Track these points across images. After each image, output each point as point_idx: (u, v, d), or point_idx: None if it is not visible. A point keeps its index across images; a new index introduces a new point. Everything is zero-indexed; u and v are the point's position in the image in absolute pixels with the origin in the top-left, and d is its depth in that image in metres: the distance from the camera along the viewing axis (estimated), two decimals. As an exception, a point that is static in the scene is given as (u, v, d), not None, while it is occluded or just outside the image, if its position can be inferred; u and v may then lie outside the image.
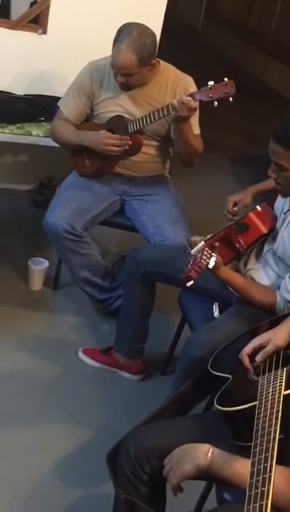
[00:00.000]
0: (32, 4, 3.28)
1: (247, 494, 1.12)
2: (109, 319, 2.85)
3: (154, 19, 3.31)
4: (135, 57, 2.39)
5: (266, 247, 2.14)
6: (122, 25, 2.43)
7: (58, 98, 3.32)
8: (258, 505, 1.08)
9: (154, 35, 2.43)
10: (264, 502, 1.08)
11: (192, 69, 2.68)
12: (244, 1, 10.15)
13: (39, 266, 2.94)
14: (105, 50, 2.63)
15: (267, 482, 1.12)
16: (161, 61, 2.57)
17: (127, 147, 2.46)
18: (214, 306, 2.23)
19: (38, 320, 2.81)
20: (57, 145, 3.06)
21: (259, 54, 8.67)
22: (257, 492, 1.11)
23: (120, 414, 2.39)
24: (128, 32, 2.37)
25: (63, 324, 2.82)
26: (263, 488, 1.11)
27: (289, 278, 1.94)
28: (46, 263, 2.95)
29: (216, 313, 2.19)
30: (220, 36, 9.74)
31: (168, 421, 1.68)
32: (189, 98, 2.26)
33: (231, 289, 2.13)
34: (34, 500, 2.00)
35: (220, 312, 2.19)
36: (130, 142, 2.45)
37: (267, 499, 1.08)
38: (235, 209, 2.32)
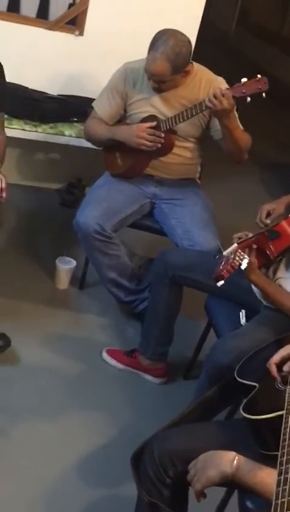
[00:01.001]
0: (70, 6, 3.31)
1: (273, 503, 1.12)
2: (133, 321, 2.86)
3: (190, 25, 3.33)
4: (168, 66, 2.41)
5: (296, 256, 2.13)
6: (159, 32, 2.44)
7: (91, 99, 3.34)
8: (285, 514, 1.07)
9: (189, 43, 2.44)
10: (292, 512, 1.07)
11: (223, 76, 2.68)
12: (277, 9, 10.10)
13: (66, 265, 2.96)
14: (139, 54, 2.65)
15: (294, 491, 1.12)
16: (194, 63, 2.58)
17: (160, 145, 2.47)
18: (241, 313, 2.23)
19: (64, 318, 2.83)
20: (88, 145, 3.09)
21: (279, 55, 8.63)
22: (284, 501, 1.11)
23: (142, 416, 2.40)
24: (164, 41, 2.39)
25: (88, 324, 2.84)
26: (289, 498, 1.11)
27: None
28: (74, 263, 2.97)
29: (243, 320, 2.19)
30: (252, 43, 9.72)
31: (193, 425, 1.68)
32: (226, 91, 2.27)
33: (258, 296, 2.14)
34: (54, 498, 2.02)
35: (247, 320, 2.19)
36: (163, 139, 2.46)
37: (294, 508, 1.08)
38: (267, 221, 2.31)
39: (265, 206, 2.38)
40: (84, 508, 2.00)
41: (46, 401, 2.36)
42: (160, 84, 2.50)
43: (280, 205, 2.38)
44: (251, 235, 2.19)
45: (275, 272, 2.17)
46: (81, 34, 3.37)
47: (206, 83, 2.56)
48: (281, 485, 1.15)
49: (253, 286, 2.12)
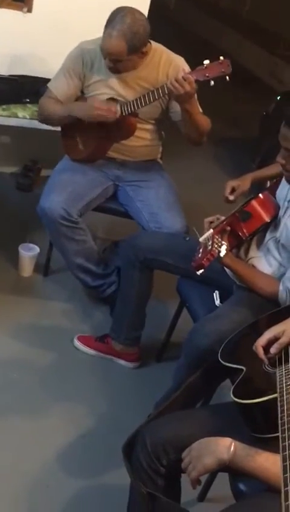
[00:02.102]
0: (17, -19, 3.19)
1: (283, 490, 1.13)
2: (101, 305, 2.83)
3: (141, 1, 3.27)
4: (124, 45, 2.34)
5: (268, 235, 2.14)
6: (116, 9, 2.36)
7: (43, 79, 3.26)
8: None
9: (147, 23, 2.37)
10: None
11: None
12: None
13: (30, 252, 2.89)
14: (90, 31, 2.58)
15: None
16: (152, 42, 2.52)
17: (118, 115, 2.41)
18: (214, 294, 2.23)
19: (30, 307, 2.77)
20: (42, 127, 3.00)
21: (233, 34, 8.64)
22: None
23: (118, 401, 2.39)
24: (121, 18, 2.31)
25: (55, 311, 2.79)
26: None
27: (292, 267, 1.95)
28: (37, 249, 2.91)
29: (217, 302, 2.19)
30: (193, 15, 9.67)
31: (183, 412, 1.68)
32: (188, 75, 2.23)
33: (231, 276, 2.14)
34: (39, 490, 1.99)
35: (221, 300, 2.20)
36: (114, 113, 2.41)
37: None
38: (232, 197, 2.31)
39: (230, 183, 2.38)
40: (69, 498, 1.98)
41: (19, 394, 2.31)
42: (116, 64, 2.42)
43: (244, 182, 2.38)
44: (222, 218, 2.18)
45: (246, 252, 2.18)
46: (29, 10, 3.26)
47: (165, 62, 2.51)
48: (289, 471, 1.15)
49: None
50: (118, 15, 2.33)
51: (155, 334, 2.66)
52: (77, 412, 2.30)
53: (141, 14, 2.38)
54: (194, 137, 2.57)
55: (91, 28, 2.70)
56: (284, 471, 1.16)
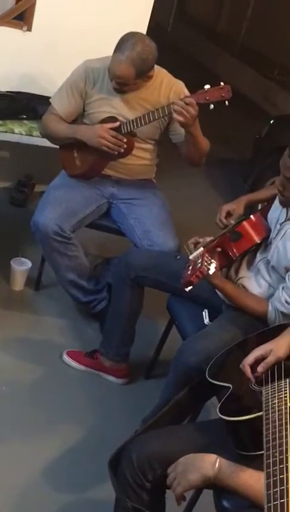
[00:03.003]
0: (17, 0, 3.24)
1: (266, 506, 1.15)
2: (92, 321, 2.85)
3: (139, 23, 3.33)
4: (133, 71, 2.40)
5: (258, 256, 2.17)
6: (127, 34, 2.41)
7: (40, 96, 3.32)
8: (279, 517, 1.10)
9: (156, 50, 2.43)
10: (284, 514, 1.10)
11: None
12: (215, 5, 10.25)
13: (22, 266, 2.91)
14: (89, 50, 2.64)
15: (285, 493, 1.15)
16: (155, 65, 2.58)
17: (122, 150, 2.47)
18: (203, 313, 2.26)
19: (21, 321, 2.78)
20: (38, 143, 3.04)
21: (229, 57, 8.77)
22: (276, 504, 1.13)
23: (106, 417, 2.40)
24: (131, 44, 2.36)
25: (46, 326, 2.81)
26: (282, 500, 1.14)
27: (282, 289, 1.98)
28: (29, 264, 2.93)
29: (206, 320, 2.22)
30: (189, 38, 9.81)
31: (170, 428, 1.70)
32: (191, 99, 2.28)
33: (221, 295, 2.17)
34: (25, 504, 1.98)
35: (210, 319, 2.23)
36: (125, 145, 2.46)
37: (287, 510, 1.11)
38: (231, 221, 2.33)
39: (225, 207, 2.41)
40: (55, 512, 1.99)
41: (8, 407, 2.31)
42: (122, 86, 2.48)
43: (239, 205, 2.42)
44: (208, 239, 2.20)
45: (237, 272, 2.21)
46: (29, 29, 3.31)
47: (166, 85, 2.57)
48: (272, 488, 1.17)
49: (215, 287, 2.15)
50: (129, 41, 2.38)
51: (144, 351, 2.68)
52: (64, 427, 2.31)
53: (151, 41, 2.43)
54: (195, 159, 2.63)
55: (89, 47, 2.77)
56: (268, 488, 1.19)
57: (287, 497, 1.14)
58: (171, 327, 2.52)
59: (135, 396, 2.53)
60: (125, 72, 2.39)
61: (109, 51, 2.45)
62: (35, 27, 3.31)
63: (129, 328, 2.48)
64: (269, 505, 1.14)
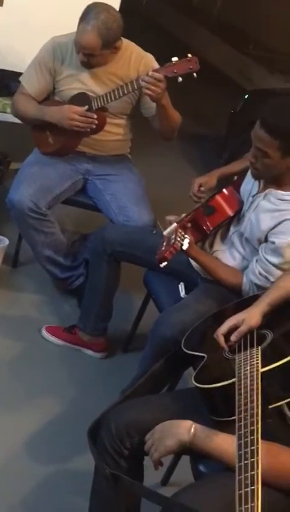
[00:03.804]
0: (-12, -26, 3.20)
1: (237, 465, 1.20)
2: (69, 297, 2.87)
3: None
4: (99, 40, 2.40)
5: (232, 229, 2.21)
6: (91, 5, 2.42)
7: (13, 73, 3.28)
8: (249, 475, 1.16)
9: (121, 19, 2.43)
10: (255, 472, 1.16)
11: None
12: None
13: (-1, 244, 2.92)
14: (61, 25, 2.61)
15: (255, 453, 1.21)
16: (123, 39, 2.58)
17: (94, 126, 2.47)
18: (179, 286, 2.30)
19: (-1, 298, 2.81)
20: (13, 120, 3.02)
21: (204, 32, 8.71)
22: (247, 463, 1.19)
23: (85, 390, 2.44)
24: (95, 14, 2.37)
25: (24, 302, 2.83)
26: (252, 459, 1.19)
27: (256, 261, 2.03)
28: (6, 241, 2.92)
29: (182, 293, 2.26)
30: (165, 11, 9.71)
31: (147, 397, 1.74)
32: (157, 73, 2.29)
33: (196, 268, 2.21)
34: (7, 478, 2.02)
35: (186, 292, 2.27)
36: (96, 121, 2.46)
37: (257, 469, 1.16)
38: (202, 189, 2.36)
39: (197, 180, 2.43)
40: (37, 485, 2.03)
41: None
42: (89, 58, 2.47)
43: (211, 178, 2.44)
44: (183, 215, 2.23)
45: (211, 245, 2.25)
46: (0, 4, 3.27)
47: (136, 59, 2.57)
48: (243, 448, 1.23)
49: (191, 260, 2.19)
50: (93, 10, 2.39)
51: (122, 325, 2.72)
52: (45, 400, 2.35)
53: (115, 10, 2.44)
54: (167, 132, 2.64)
55: (61, 22, 2.74)
56: (239, 448, 1.24)
57: (257, 455, 1.19)
58: (148, 301, 2.56)
59: (114, 369, 2.57)
60: (91, 42, 2.39)
61: (82, 27, 2.44)
62: (6, 2, 3.26)
63: (107, 302, 2.51)
64: (240, 464, 1.20)
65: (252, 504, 1.09)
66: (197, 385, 1.58)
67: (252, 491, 1.11)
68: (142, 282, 2.47)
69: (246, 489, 1.12)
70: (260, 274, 2.00)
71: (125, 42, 2.58)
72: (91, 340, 2.57)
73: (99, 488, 1.64)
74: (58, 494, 2.04)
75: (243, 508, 1.09)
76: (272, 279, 1.96)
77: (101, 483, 1.62)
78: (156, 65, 2.56)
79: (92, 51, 2.44)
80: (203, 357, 1.70)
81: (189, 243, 1.98)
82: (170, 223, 2.11)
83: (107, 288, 2.47)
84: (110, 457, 1.60)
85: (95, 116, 2.48)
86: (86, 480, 1.71)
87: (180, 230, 2.00)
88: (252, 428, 1.28)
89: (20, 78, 2.71)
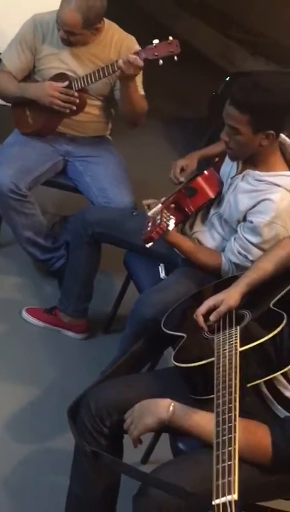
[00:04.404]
0: None
1: (214, 442, 1.22)
2: (50, 279, 2.87)
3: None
4: (80, 18, 2.38)
5: (212, 211, 2.22)
6: None
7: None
8: (227, 450, 1.18)
9: (104, 0, 2.41)
10: (232, 448, 1.18)
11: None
12: None
13: (-22, 226, 2.90)
14: (44, 4, 2.59)
15: (233, 429, 1.23)
16: (105, 20, 2.56)
17: (74, 107, 2.46)
18: (160, 267, 2.31)
19: (-21, 280, 2.80)
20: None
21: (185, 14, 8.65)
22: (225, 439, 1.21)
23: (66, 371, 2.45)
24: None
25: (5, 284, 2.82)
26: (229, 436, 1.21)
27: (234, 240, 2.04)
28: (-14, 223, 2.92)
29: (163, 274, 2.27)
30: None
31: (127, 377, 1.76)
32: (135, 56, 2.28)
33: (177, 250, 2.22)
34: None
35: (166, 273, 2.28)
36: (77, 100, 2.45)
37: (234, 445, 1.19)
38: (182, 178, 2.36)
39: (178, 162, 2.43)
40: (18, 464, 2.04)
41: None
42: (69, 36, 2.45)
43: (192, 161, 2.44)
44: (162, 200, 2.23)
45: (191, 226, 2.26)
46: (-20, -17, 3.21)
47: (117, 41, 2.56)
48: (221, 425, 1.25)
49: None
50: None
51: (103, 306, 2.73)
52: (26, 381, 2.36)
53: None
54: (129, 118, 2.63)
55: (43, 2, 2.71)
56: (217, 425, 1.26)
57: (235, 432, 1.21)
58: (128, 283, 2.57)
59: (94, 350, 2.59)
60: (72, 19, 2.37)
61: (63, 5, 2.41)
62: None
63: (87, 284, 2.51)
64: (218, 440, 1.22)
65: (229, 478, 1.10)
66: (177, 364, 1.60)
67: (229, 466, 1.13)
68: (122, 264, 2.47)
69: (223, 464, 1.14)
70: (239, 253, 2.02)
71: (107, 23, 2.57)
72: (72, 321, 2.58)
73: (80, 466, 1.66)
74: (39, 473, 2.06)
75: (219, 483, 1.10)
76: (251, 258, 1.97)
77: (82, 461, 1.64)
78: (138, 47, 2.54)
79: (72, 29, 2.42)
80: (183, 336, 1.72)
81: (173, 224, 1.99)
82: (148, 207, 2.11)
83: (88, 269, 2.47)
84: (90, 436, 1.61)
85: (76, 94, 2.47)
86: (67, 460, 1.73)
87: (165, 211, 2.01)
88: (230, 405, 1.30)
89: (1, 56, 2.68)
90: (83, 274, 2.48)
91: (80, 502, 1.67)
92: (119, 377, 1.77)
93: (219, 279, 2.05)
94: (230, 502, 1.05)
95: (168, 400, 1.49)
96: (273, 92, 1.88)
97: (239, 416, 1.29)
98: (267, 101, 1.86)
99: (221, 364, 1.46)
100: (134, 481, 1.45)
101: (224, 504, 1.06)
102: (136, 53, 2.32)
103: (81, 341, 2.62)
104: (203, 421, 1.44)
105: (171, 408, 1.46)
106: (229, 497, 1.06)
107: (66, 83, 2.48)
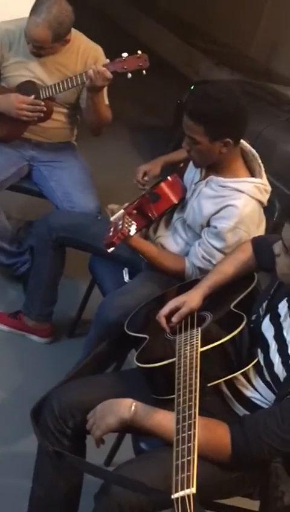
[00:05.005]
0: None
1: (175, 438, 1.25)
2: (15, 283, 2.87)
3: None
4: (50, 34, 2.40)
5: (175, 216, 2.26)
6: None
7: None
8: (186, 446, 1.21)
9: (72, 13, 2.44)
10: (191, 444, 1.21)
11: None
12: None
13: None
14: (10, 11, 2.60)
15: (192, 426, 1.26)
16: (72, 29, 2.58)
17: (42, 115, 2.48)
18: (124, 271, 2.34)
19: None
20: None
21: (151, 23, 8.74)
22: (184, 436, 1.24)
23: (30, 376, 2.46)
24: (48, 7, 2.36)
25: None
26: (189, 432, 1.25)
27: (198, 245, 2.08)
28: None
29: (126, 278, 2.30)
30: (112, 1, 9.68)
31: (90, 378, 1.77)
32: (105, 68, 2.31)
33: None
34: None
35: (130, 277, 2.31)
36: (45, 108, 2.47)
37: (194, 441, 1.22)
38: (145, 178, 2.40)
39: (142, 167, 2.47)
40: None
41: None
42: (39, 50, 2.48)
43: (156, 166, 2.48)
44: (125, 204, 2.26)
45: (155, 231, 2.30)
46: None
47: (84, 51, 2.59)
48: (181, 423, 1.28)
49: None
50: (45, 3, 2.37)
51: (68, 311, 2.74)
52: (-12, 386, 2.36)
53: (67, 4, 2.43)
54: (94, 126, 2.67)
55: (10, 7, 2.72)
56: (177, 423, 1.29)
57: (194, 429, 1.25)
58: (93, 287, 2.58)
59: (59, 354, 2.59)
60: (42, 36, 2.39)
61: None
62: None
63: (51, 288, 2.52)
64: (178, 437, 1.25)
65: (188, 473, 1.13)
66: (139, 365, 1.63)
67: (188, 461, 1.16)
68: (87, 268, 2.49)
69: (182, 460, 1.17)
70: (203, 258, 2.05)
71: (74, 33, 2.59)
72: (36, 325, 2.59)
73: (42, 468, 1.67)
74: (2, 475, 2.05)
75: (179, 477, 1.13)
76: (214, 262, 2.01)
77: (44, 462, 1.65)
78: (104, 57, 2.58)
79: (42, 44, 2.45)
80: (146, 338, 1.75)
81: (135, 230, 2.02)
82: (112, 212, 2.14)
83: (52, 273, 2.48)
84: (53, 437, 1.63)
85: (43, 104, 2.49)
86: (30, 462, 1.73)
87: (127, 217, 2.04)
88: (190, 403, 1.34)
89: None
90: (48, 278, 2.49)
91: (42, 503, 1.67)
92: (82, 377, 1.78)
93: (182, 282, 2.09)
94: (189, 496, 1.08)
95: (130, 400, 1.51)
96: (223, 101, 1.90)
97: (200, 414, 1.32)
98: (218, 111, 1.89)
99: (182, 365, 1.50)
100: (96, 483, 1.47)
101: (183, 497, 1.08)
102: (106, 65, 2.35)
103: (45, 345, 2.63)
104: (164, 420, 1.47)
105: (133, 408, 1.49)
106: (187, 491, 1.09)
107: (33, 96, 2.49)
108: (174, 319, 1.73)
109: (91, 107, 2.52)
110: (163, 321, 1.74)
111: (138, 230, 2.12)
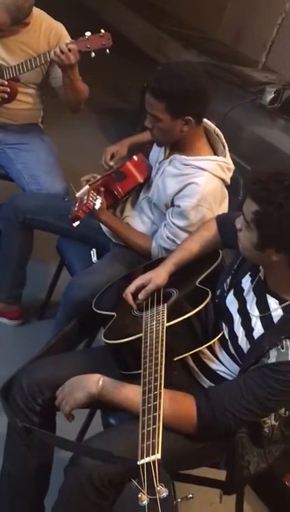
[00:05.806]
0: None
1: (141, 409, 1.28)
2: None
3: None
4: (8, 18, 2.38)
5: (141, 195, 2.28)
6: None
7: None
8: (152, 416, 1.24)
9: None
10: (157, 413, 1.24)
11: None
12: None
13: None
14: None
15: (158, 397, 1.29)
16: (34, 9, 2.56)
17: (6, 96, 2.46)
18: (91, 252, 2.35)
19: None
20: None
21: (119, 6, 8.68)
22: (150, 406, 1.27)
23: (0, 358, 2.46)
24: None
25: None
26: (154, 403, 1.28)
27: (164, 226, 2.10)
28: None
29: (94, 258, 2.32)
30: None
31: (59, 356, 1.79)
32: (73, 45, 2.31)
33: (108, 234, 2.27)
34: None
35: (98, 257, 2.32)
36: (8, 89, 2.46)
37: (159, 410, 1.25)
38: (112, 163, 2.41)
39: (109, 149, 2.48)
40: None
41: None
42: None
43: (122, 147, 2.50)
44: (98, 177, 2.29)
45: (122, 211, 2.32)
46: None
47: (46, 29, 2.57)
48: (147, 394, 1.31)
49: (102, 225, 2.24)
50: None
51: (37, 292, 2.75)
52: None
53: None
54: (73, 104, 2.67)
55: None
56: (143, 394, 1.32)
57: (160, 399, 1.28)
58: (61, 268, 2.59)
59: (29, 336, 2.60)
60: (0, 19, 2.37)
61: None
62: None
63: (20, 270, 2.53)
64: (144, 407, 1.28)
65: (154, 440, 1.17)
66: (106, 341, 1.65)
67: (154, 429, 1.19)
68: (55, 250, 2.50)
69: (148, 429, 1.20)
70: (168, 238, 2.08)
71: (36, 11, 2.57)
72: (5, 308, 2.59)
73: (12, 444, 1.69)
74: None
75: (144, 445, 1.16)
76: (178, 242, 2.04)
77: (14, 439, 1.67)
78: (66, 34, 2.57)
79: (0, 28, 2.42)
80: (113, 316, 1.77)
81: (101, 206, 2.03)
82: (86, 182, 2.16)
83: (20, 255, 2.49)
84: (22, 414, 1.64)
85: (6, 83, 2.47)
86: (1, 441, 1.75)
87: (92, 192, 2.06)
88: (156, 375, 1.37)
89: None
90: (16, 260, 2.49)
91: (13, 479, 1.69)
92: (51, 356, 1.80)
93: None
94: (154, 461, 1.12)
95: (97, 375, 1.54)
96: (185, 79, 1.92)
97: (167, 388, 1.36)
98: (179, 88, 1.91)
99: (148, 339, 1.52)
100: (66, 461, 1.49)
101: (148, 464, 1.12)
102: (69, 44, 2.34)
103: (15, 327, 2.64)
104: (131, 393, 1.49)
105: (100, 382, 1.51)
106: (153, 457, 1.12)
107: None
108: (140, 296, 1.75)
109: (69, 85, 2.52)
110: (130, 298, 1.77)
111: (104, 208, 2.14)
